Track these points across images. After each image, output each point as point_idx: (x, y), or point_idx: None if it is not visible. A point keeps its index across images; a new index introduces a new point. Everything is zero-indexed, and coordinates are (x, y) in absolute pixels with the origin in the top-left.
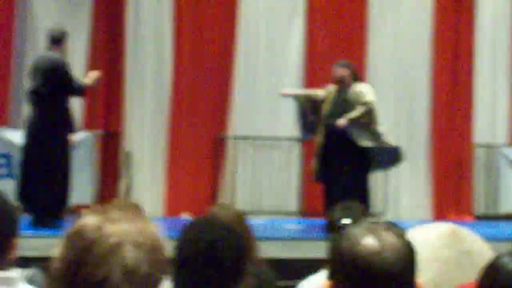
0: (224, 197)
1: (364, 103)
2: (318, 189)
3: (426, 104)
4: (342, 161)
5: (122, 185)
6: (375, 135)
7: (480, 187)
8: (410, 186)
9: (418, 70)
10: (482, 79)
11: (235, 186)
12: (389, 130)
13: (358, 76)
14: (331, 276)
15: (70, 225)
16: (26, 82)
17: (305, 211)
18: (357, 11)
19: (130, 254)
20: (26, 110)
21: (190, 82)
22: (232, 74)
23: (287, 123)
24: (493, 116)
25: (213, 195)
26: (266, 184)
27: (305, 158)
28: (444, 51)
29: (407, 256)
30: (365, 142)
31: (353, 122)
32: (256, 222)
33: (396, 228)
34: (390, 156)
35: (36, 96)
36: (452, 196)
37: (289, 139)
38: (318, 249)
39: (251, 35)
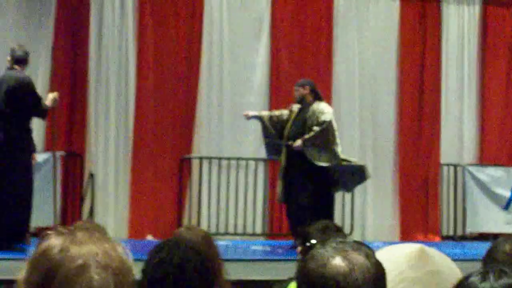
0: (189, 219)
1: (320, 123)
2: (284, 210)
3: (392, 123)
4: (302, 182)
5: (85, 207)
6: (333, 155)
7: (447, 207)
8: (376, 207)
9: (384, 89)
10: (448, 98)
11: (200, 207)
12: (354, 148)
13: (319, 94)
14: None
15: (34, 247)
16: None
17: (271, 233)
18: (322, 28)
19: (96, 276)
20: None
21: (154, 103)
22: (197, 94)
23: (253, 143)
24: (460, 135)
25: (178, 217)
26: (231, 205)
27: (271, 178)
28: (410, 70)
29: (376, 276)
30: (323, 162)
31: (310, 142)
32: (222, 243)
33: (365, 248)
34: (355, 175)
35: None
36: (419, 217)
37: (255, 159)
38: (285, 270)
39: (215, 55)
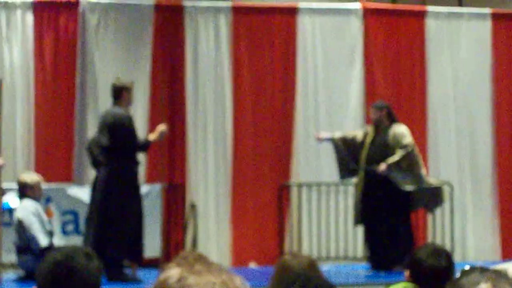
0: (290, 244)
1: (403, 146)
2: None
3: (488, 141)
4: (383, 206)
5: (188, 237)
6: (417, 178)
7: None
8: (477, 226)
9: (480, 107)
10: None
11: (301, 232)
12: (452, 168)
13: (394, 116)
14: None
15: (154, 278)
16: (89, 137)
17: None
18: (414, 50)
19: None
20: (88, 165)
21: (251, 131)
22: (293, 121)
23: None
24: None
25: (280, 243)
26: (332, 229)
27: None
28: (504, 87)
29: None
30: (409, 186)
31: (394, 166)
32: (324, 268)
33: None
34: (432, 197)
35: (105, 151)
36: None
37: (354, 184)
38: None
39: (310, 81)
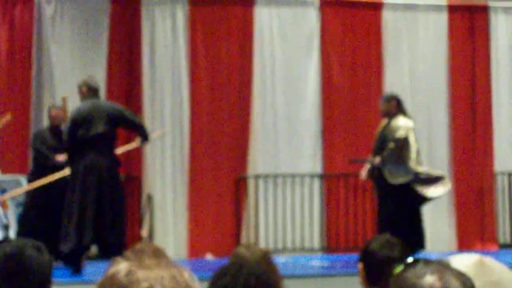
0: (247, 236)
1: (395, 140)
2: (341, 224)
3: (445, 134)
4: (384, 198)
5: (144, 228)
6: (407, 171)
7: (503, 215)
8: (433, 217)
9: (436, 100)
10: (500, 106)
11: (258, 224)
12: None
13: (403, 108)
14: None
15: (103, 272)
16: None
17: (329, 247)
18: (372, 41)
19: None
20: None
21: (208, 123)
22: (250, 113)
23: (307, 158)
24: None
25: (236, 234)
26: (288, 221)
27: (327, 193)
28: (461, 80)
29: None
30: (397, 179)
31: (386, 159)
32: (280, 260)
33: (465, 277)
34: (432, 182)
35: (106, 140)
36: (475, 226)
37: (310, 175)
38: (345, 285)
39: (267, 72)
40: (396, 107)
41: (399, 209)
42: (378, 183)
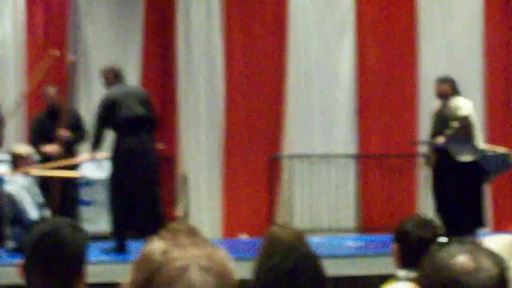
0: (281, 217)
1: (458, 118)
2: (376, 205)
3: (479, 114)
4: (448, 178)
5: (179, 209)
6: (475, 149)
7: None
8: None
9: (471, 81)
10: None
11: (292, 205)
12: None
13: (457, 89)
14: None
15: (139, 252)
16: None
17: (363, 227)
18: (406, 25)
19: (197, 277)
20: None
21: (243, 103)
22: (285, 93)
23: (342, 139)
24: None
25: (270, 215)
26: (323, 202)
27: (362, 174)
28: (496, 61)
29: (500, 285)
30: (465, 157)
31: (451, 138)
32: (314, 240)
33: (498, 257)
34: (500, 164)
35: (145, 122)
36: (510, 207)
37: (345, 155)
38: (379, 265)
39: (302, 52)
40: (451, 88)
41: (463, 187)
42: (440, 164)
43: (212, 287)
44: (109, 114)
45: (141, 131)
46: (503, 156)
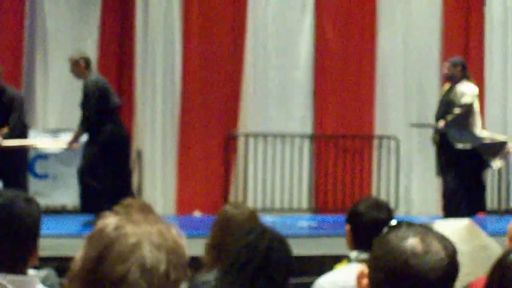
0: (235, 195)
1: (460, 105)
2: (329, 185)
3: (436, 96)
4: (448, 163)
5: (133, 184)
6: (473, 136)
7: (491, 181)
8: (422, 181)
9: (428, 64)
10: (493, 74)
11: (246, 183)
12: (399, 124)
13: (467, 73)
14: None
15: (89, 227)
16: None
17: (317, 208)
18: (366, 5)
19: (149, 254)
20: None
21: (200, 80)
22: (242, 70)
23: (298, 119)
24: (504, 112)
25: (225, 193)
26: (277, 181)
27: (316, 154)
28: (454, 47)
29: (447, 270)
30: (462, 145)
31: (452, 124)
32: (268, 219)
33: (447, 241)
34: (496, 151)
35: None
36: None
37: (301, 135)
38: (331, 246)
39: (260, 29)
40: (461, 72)
41: (462, 174)
42: (440, 148)
43: (164, 263)
44: (101, 101)
45: (118, 118)
46: (501, 144)
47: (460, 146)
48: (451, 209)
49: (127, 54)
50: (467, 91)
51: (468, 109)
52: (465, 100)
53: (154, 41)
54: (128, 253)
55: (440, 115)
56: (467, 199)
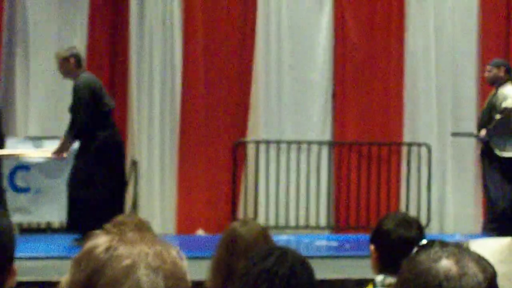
0: (244, 211)
1: (501, 110)
2: (351, 199)
3: (473, 100)
4: (491, 172)
5: (127, 198)
6: None
7: None
8: (457, 194)
9: (464, 63)
10: None
11: (257, 197)
12: (433, 131)
13: (510, 76)
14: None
15: (80, 247)
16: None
17: (337, 225)
18: None
19: (145, 278)
20: None
21: (203, 81)
22: (252, 71)
23: (315, 124)
24: None
25: (232, 209)
26: (292, 195)
27: (336, 164)
28: (493, 41)
29: None
30: (507, 153)
31: (493, 131)
32: (282, 238)
33: (485, 262)
34: None
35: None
36: None
37: (318, 142)
38: (354, 269)
39: (272, 26)
40: (505, 74)
41: (507, 184)
42: (485, 157)
43: None
44: (95, 104)
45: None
46: None
47: (503, 154)
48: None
49: (120, 50)
50: (508, 93)
51: (510, 113)
52: (506, 104)
53: (151, 36)
54: (121, 278)
55: (484, 121)
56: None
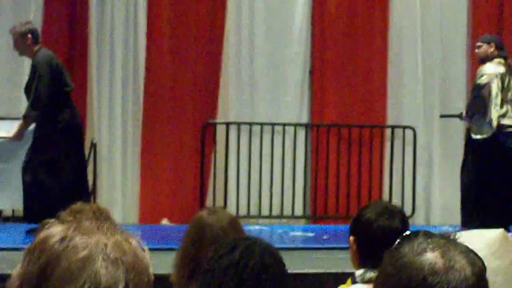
0: (213, 198)
1: (472, 89)
2: (330, 186)
3: (462, 80)
4: (465, 157)
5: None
6: (488, 124)
7: None
8: (444, 181)
9: (453, 42)
10: None
11: (227, 184)
12: (419, 115)
13: (502, 53)
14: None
15: (32, 238)
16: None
17: (314, 215)
18: None
19: (103, 271)
20: None
21: (169, 58)
22: (222, 46)
23: (291, 104)
24: None
25: (200, 196)
26: (265, 181)
27: (313, 148)
28: (483, 17)
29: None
30: (479, 135)
31: (468, 111)
32: (255, 228)
33: (474, 255)
34: None
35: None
36: None
37: (294, 124)
38: (332, 262)
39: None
40: (496, 50)
41: (482, 171)
42: (467, 142)
43: (122, 282)
44: (56, 83)
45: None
46: None
47: (476, 135)
48: (464, 215)
49: (78, 28)
50: (484, 71)
51: (483, 92)
52: (480, 80)
53: (113, 8)
54: (77, 270)
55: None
56: (493, 205)
